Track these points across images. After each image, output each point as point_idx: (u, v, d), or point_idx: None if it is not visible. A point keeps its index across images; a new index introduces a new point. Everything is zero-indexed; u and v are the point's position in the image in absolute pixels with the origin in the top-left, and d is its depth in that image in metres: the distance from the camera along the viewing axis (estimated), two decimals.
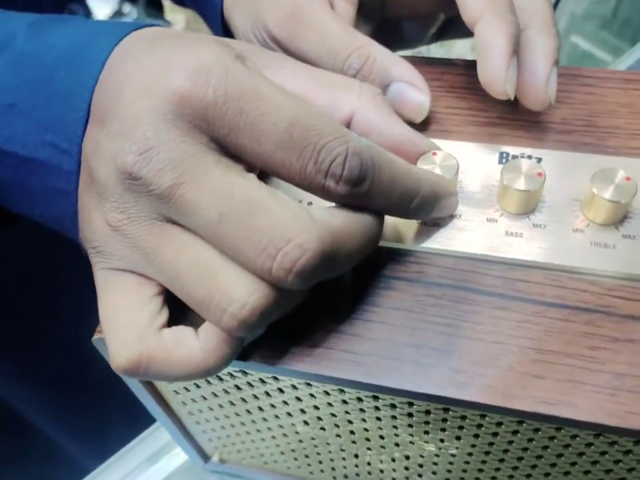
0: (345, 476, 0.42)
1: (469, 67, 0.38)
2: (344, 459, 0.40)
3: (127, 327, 0.27)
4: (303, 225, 0.25)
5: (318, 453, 0.40)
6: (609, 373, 0.27)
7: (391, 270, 0.31)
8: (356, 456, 0.39)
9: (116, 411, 0.56)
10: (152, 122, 0.25)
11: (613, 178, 0.30)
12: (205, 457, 0.45)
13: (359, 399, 0.31)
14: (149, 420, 0.49)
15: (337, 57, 0.35)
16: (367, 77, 0.34)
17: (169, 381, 0.33)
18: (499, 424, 0.30)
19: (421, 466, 0.37)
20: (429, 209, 0.30)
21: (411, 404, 0.30)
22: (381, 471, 0.40)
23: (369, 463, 0.39)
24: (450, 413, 0.30)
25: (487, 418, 0.29)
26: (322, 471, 0.43)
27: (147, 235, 0.26)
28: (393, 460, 0.38)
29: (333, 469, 0.42)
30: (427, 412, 0.30)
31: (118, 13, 1.39)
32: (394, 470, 0.39)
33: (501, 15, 0.31)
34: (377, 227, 0.28)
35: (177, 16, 1.38)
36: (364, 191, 0.26)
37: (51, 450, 0.59)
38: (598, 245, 0.30)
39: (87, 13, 0.67)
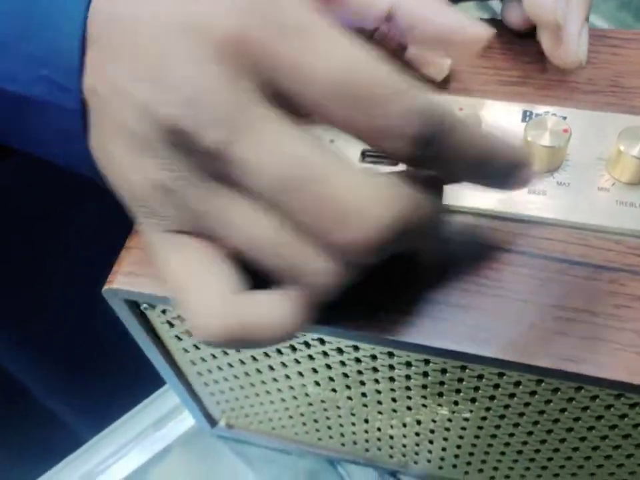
0: (354, 442, 0.42)
1: (494, 26, 0.37)
2: (354, 424, 0.39)
3: (209, 294, 0.24)
4: (375, 196, 0.22)
5: (327, 418, 0.39)
6: (633, 331, 0.27)
7: None
8: (366, 421, 0.38)
9: (118, 378, 0.55)
10: (194, 65, 0.22)
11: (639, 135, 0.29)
12: (212, 422, 0.45)
13: (373, 357, 0.30)
14: (152, 388, 0.48)
15: None
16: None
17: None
18: (517, 384, 0.29)
19: (432, 432, 0.37)
20: (502, 178, 0.26)
21: (427, 362, 0.29)
22: (391, 437, 0.39)
23: (379, 429, 0.39)
24: (467, 371, 0.29)
25: (504, 377, 0.29)
26: (330, 437, 0.42)
27: (207, 197, 0.23)
28: (404, 425, 0.37)
29: (342, 434, 0.41)
30: (443, 371, 0.30)
31: None
32: (404, 436, 0.39)
33: None
34: (441, 199, 0.26)
35: None
36: (433, 152, 0.23)
37: (51, 417, 0.58)
38: (624, 203, 0.30)
39: None
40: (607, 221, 0.29)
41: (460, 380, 0.30)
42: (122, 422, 0.47)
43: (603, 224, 0.29)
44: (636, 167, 0.29)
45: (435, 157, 0.23)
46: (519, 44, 0.36)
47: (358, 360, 0.31)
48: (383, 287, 0.28)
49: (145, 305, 0.31)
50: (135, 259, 0.30)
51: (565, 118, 0.32)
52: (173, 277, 0.25)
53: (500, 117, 0.33)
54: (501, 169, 0.25)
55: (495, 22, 0.36)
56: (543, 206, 0.30)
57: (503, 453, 0.37)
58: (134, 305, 0.31)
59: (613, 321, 0.27)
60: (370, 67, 0.22)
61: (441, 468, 0.42)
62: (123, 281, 0.30)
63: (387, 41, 0.33)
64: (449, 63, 0.34)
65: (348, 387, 0.34)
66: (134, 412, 0.48)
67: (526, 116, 0.33)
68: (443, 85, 0.35)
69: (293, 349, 0.32)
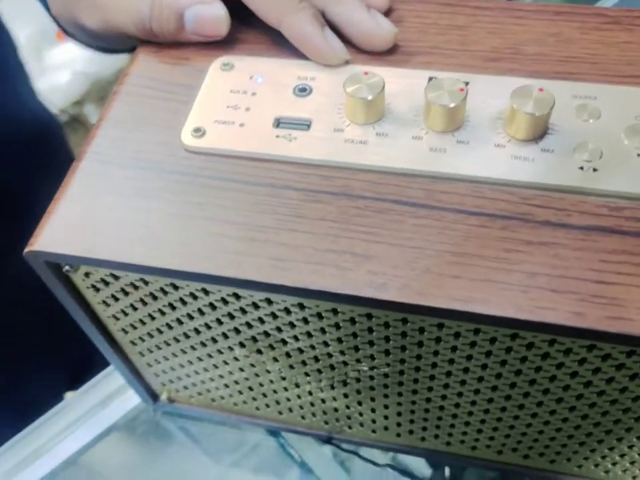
0: (290, 410, 0.43)
1: (409, 1, 0.39)
2: (286, 389, 0.40)
3: None
4: None
5: (261, 384, 0.40)
6: (522, 272, 0.28)
7: (317, 185, 0.32)
8: (297, 385, 0.39)
9: (63, 358, 0.56)
10: None
11: (530, 93, 0.31)
12: (154, 397, 0.46)
13: (287, 311, 0.32)
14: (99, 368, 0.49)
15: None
16: (160, 16, 0.37)
17: None
18: (421, 330, 0.31)
19: (358, 392, 0.38)
20: None
21: (335, 312, 0.31)
22: (323, 401, 0.41)
23: (310, 392, 0.40)
24: (373, 319, 0.31)
25: (408, 324, 0.30)
26: (267, 405, 0.43)
27: None
28: (332, 387, 0.38)
29: (278, 402, 0.42)
30: (352, 321, 0.31)
31: None
32: (334, 399, 0.40)
33: (294, 9, 0.35)
34: None
35: None
36: None
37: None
38: (518, 158, 0.31)
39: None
40: (502, 174, 0.31)
41: (370, 330, 0.32)
42: (66, 402, 0.48)
43: (498, 177, 0.31)
44: (528, 123, 0.31)
45: None
46: (428, 17, 0.37)
47: (274, 315, 0.32)
48: (289, 239, 0.30)
49: (67, 267, 0.32)
50: (56, 222, 0.32)
51: (467, 83, 0.34)
52: None
53: (406, 83, 0.34)
54: None
55: None
56: (443, 163, 0.32)
57: (427, 410, 0.38)
58: (57, 268, 0.33)
59: (503, 263, 0.29)
60: None
61: (373, 432, 0.43)
62: (43, 243, 0.31)
63: None
64: (225, 15, 0.37)
65: (271, 347, 0.36)
66: (80, 392, 0.49)
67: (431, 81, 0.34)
68: (355, 54, 0.36)
69: (213, 307, 0.33)
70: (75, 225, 0.32)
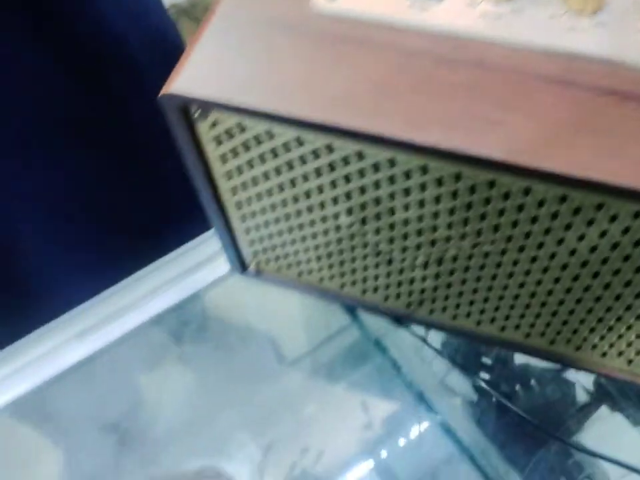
0: (375, 289, 0.44)
1: None
2: (377, 265, 0.41)
3: None
4: None
5: (353, 260, 0.42)
6: None
7: (450, 54, 0.32)
8: (389, 262, 0.41)
9: (158, 220, 0.58)
10: None
11: None
12: (243, 266, 0.47)
13: (407, 175, 0.32)
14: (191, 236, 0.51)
15: None
16: None
17: None
18: (541, 204, 0.31)
19: (452, 273, 0.39)
20: None
21: (457, 177, 0.31)
22: (411, 281, 0.42)
23: (401, 271, 0.41)
24: (494, 189, 0.31)
25: (529, 196, 0.31)
26: (353, 283, 0.45)
27: None
28: (426, 265, 0.40)
29: (364, 280, 0.44)
30: (472, 189, 0.32)
31: None
32: (424, 279, 0.41)
33: None
34: None
35: None
36: None
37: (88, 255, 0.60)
38: None
39: None
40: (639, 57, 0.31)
41: (487, 201, 0.32)
42: (160, 263, 0.50)
43: (636, 60, 0.31)
44: None
45: None
46: None
47: (392, 179, 0.33)
48: (425, 98, 0.31)
49: (197, 113, 0.33)
50: (190, 70, 0.32)
51: None
52: None
53: None
54: None
55: None
56: (581, 42, 0.32)
57: (516, 297, 0.39)
58: (186, 115, 0.34)
59: (634, 140, 0.29)
60: None
61: (454, 317, 0.44)
62: (178, 86, 0.32)
63: None
64: None
65: (378, 217, 0.37)
66: (171, 256, 0.51)
67: None
68: None
69: (332, 167, 0.34)
70: (208, 74, 0.32)
